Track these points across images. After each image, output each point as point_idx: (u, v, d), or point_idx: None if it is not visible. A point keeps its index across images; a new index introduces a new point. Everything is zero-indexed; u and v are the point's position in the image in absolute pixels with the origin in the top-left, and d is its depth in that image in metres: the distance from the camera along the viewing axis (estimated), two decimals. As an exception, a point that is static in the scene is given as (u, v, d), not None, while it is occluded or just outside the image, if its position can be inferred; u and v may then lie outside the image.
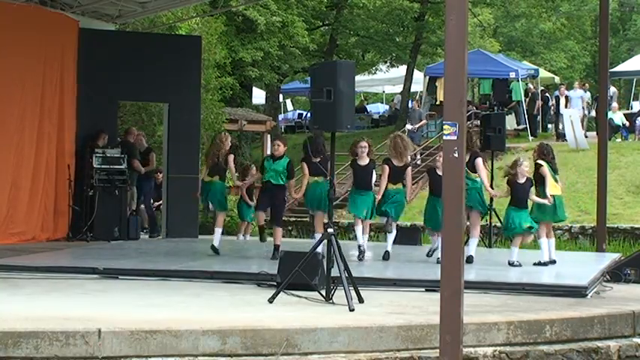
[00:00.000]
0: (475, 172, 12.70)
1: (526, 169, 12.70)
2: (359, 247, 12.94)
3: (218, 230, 13.76)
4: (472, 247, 12.85)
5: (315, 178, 13.00)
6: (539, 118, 31.57)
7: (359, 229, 13.18)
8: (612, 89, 31.92)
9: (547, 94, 32.55)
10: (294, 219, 22.83)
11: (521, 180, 12.70)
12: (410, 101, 33.33)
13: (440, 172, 12.44)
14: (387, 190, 12.79)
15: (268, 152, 27.93)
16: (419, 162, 26.44)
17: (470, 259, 12.47)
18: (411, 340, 7.95)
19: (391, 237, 13.10)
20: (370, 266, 12.56)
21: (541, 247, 12.74)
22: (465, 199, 12.26)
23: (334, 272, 9.18)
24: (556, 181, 12.67)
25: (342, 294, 8.90)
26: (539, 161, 12.61)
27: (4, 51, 15.01)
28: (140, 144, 17.74)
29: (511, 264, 12.62)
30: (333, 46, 35.78)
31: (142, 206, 17.81)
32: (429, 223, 12.96)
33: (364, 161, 13.02)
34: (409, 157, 12.92)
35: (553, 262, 12.68)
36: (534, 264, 12.58)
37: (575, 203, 22.70)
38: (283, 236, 13.95)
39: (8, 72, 15.16)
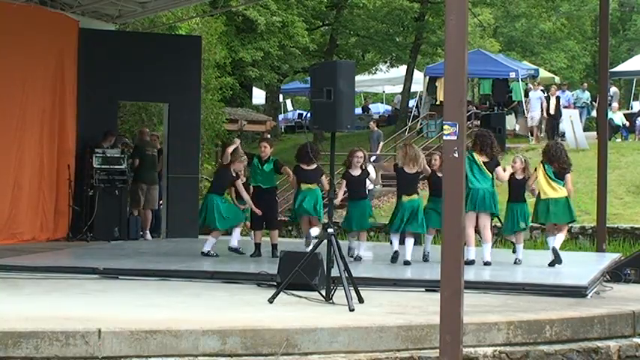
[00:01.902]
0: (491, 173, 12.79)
1: (518, 166, 12.92)
2: (354, 256, 12.90)
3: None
4: (486, 253, 12.66)
5: (308, 185, 12.96)
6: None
7: (353, 240, 13.23)
8: (613, 89, 31.97)
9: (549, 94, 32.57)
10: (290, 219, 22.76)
11: (518, 176, 12.98)
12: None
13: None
14: (401, 202, 12.53)
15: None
16: None
17: (488, 264, 12.49)
18: (411, 340, 7.95)
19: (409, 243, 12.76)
20: (370, 266, 12.56)
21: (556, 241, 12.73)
22: (475, 201, 12.38)
23: (334, 272, 9.18)
24: (559, 183, 12.54)
25: (342, 294, 8.89)
26: (538, 163, 12.63)
27: (4, 51, 15.02)
28: (154, 145, 17.83)
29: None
30: (333, 46, 35.80)
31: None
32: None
33: (357, 171, 12.96)
34: (422, 165, 12.72)
35: (554, 263, 12.59)
36: (549, 265, 12.64)
37: (575, 203, 22.67)
38: (283, 236, 13.98)
39: (8, 72, 15.17)
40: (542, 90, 30.40)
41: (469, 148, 12.58)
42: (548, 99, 29.99)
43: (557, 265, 12.48)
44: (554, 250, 12.51)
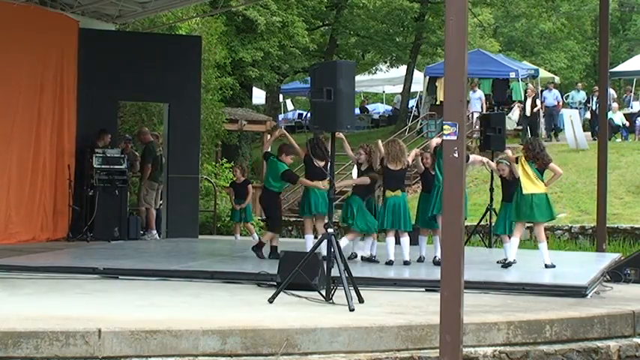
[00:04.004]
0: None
1: (507, 172, 12.90)
2: (353, 253, 12.93)
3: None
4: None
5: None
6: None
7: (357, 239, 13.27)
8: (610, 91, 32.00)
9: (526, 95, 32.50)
10: (294, 219, 22.82)
11: (508, 178, 12.98)
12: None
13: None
14: (386, 198, 12.57)
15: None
16: None
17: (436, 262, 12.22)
18: (411, 340, 7.95)
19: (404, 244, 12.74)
20: (370, 266, 12.56)
21: (510, 245, 12.48)
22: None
23: (334, 272, 9.18)
24: (540, 178, 12.42)
25: (342, 294, 8.89)
26: (521, 159, 12.55)
27: (4, 51, 15.01)
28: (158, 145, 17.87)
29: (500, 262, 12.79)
30: (333, 46, 35.80)
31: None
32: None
33: (364, 166, 13.08)
34: (407, 161, 12.74)
35: (552, 266, 12.37)
36: (498, 262, 12.58)
37: (575, 203, 22.70)
38: (282, 236, 13.99)
39: (8, 72, 15.17)
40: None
41: (438, 146, 12.54)
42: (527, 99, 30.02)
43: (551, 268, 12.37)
44: (547, 266, 12.32)
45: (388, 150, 12.57)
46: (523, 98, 30.46)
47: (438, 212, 12.02)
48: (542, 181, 12.44)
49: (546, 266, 12.32)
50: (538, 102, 30.10)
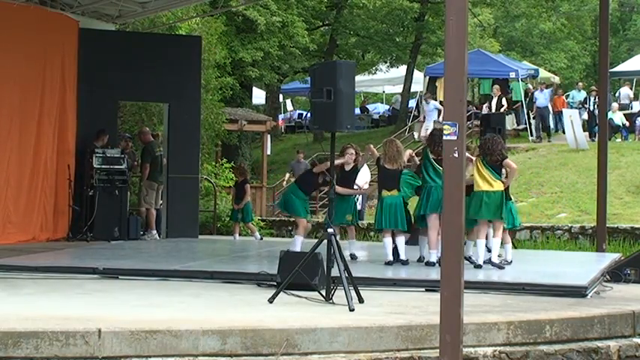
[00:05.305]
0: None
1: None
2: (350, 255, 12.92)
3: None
4: (433, 256, 12.20)
5: None
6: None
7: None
8: (628, 90, 32.00)
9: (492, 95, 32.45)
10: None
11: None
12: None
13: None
14: (382, 198, 12.54)
15: (268, 152, 28.07)
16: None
17: (431, 264, 12.09)
18: (411, 340, 7.95)
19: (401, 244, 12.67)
20: (370, 266, 12.56)
21: (477, 247, 12.16)
22: (431, 200, 12.20)
23: (334, 272, 9.18)
24: (496, 177, 12.05)
25: (342, 294, 8.89)
26: (478, 157, 12.25)
27: (4, 51, 15.02)
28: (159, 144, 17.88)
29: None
30: (333, 46, 35.83)
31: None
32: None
33: (348, 166, 13.11)
34: (404, 162, 12.70)
35: (509, 263, 12.23)
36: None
37: (575, 203, 22.70)
38: (283, 236, 13.97)
39: (8, 72, 15.18)
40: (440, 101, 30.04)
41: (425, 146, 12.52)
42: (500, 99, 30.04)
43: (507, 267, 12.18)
44: (493, 264, 12.00)
45: (385, 150, 12.56)
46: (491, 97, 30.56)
47: (431, 211, 12.03)
48: (500, 180, 12.11)
49: (492, 264, 12.00)
50: (504, 101, 30.12)
